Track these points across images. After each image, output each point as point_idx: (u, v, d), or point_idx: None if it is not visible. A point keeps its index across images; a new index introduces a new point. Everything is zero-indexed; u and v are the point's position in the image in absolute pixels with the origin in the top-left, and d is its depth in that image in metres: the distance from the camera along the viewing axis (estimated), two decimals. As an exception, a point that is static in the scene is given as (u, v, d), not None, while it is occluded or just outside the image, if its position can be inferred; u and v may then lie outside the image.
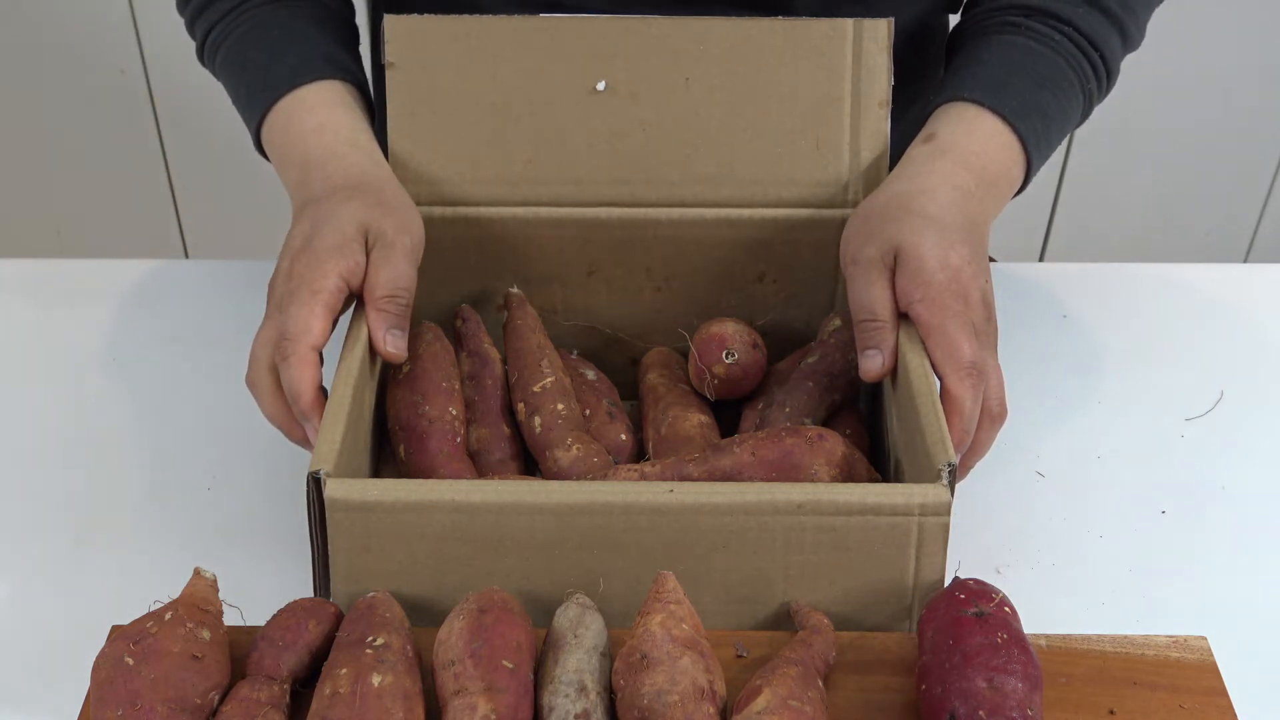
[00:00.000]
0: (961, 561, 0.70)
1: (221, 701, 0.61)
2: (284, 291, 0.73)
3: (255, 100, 0.86)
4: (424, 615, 0.67)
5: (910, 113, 0.88)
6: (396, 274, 0.74)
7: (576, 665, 0.60)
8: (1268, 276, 1.05)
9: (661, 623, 0.61)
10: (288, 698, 0.62)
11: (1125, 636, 0.67)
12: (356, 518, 0.66)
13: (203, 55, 0.92)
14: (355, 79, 0.87)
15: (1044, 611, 0.72)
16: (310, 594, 0.67)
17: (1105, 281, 1.03)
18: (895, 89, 0.83)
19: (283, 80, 0.84)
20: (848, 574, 0.67)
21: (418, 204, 0.82)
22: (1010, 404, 0.73)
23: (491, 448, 0.79)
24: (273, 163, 0.86)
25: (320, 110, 0.84)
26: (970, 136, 0.81)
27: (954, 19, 0.98)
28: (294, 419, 0.72)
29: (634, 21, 0.82)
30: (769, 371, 0.84)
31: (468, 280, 0.87)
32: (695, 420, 0.80)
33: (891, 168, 0.83)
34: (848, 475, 0.72)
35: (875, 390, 0.81)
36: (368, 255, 0.75)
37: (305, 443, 0.72)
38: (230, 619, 0.64)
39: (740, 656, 0.66)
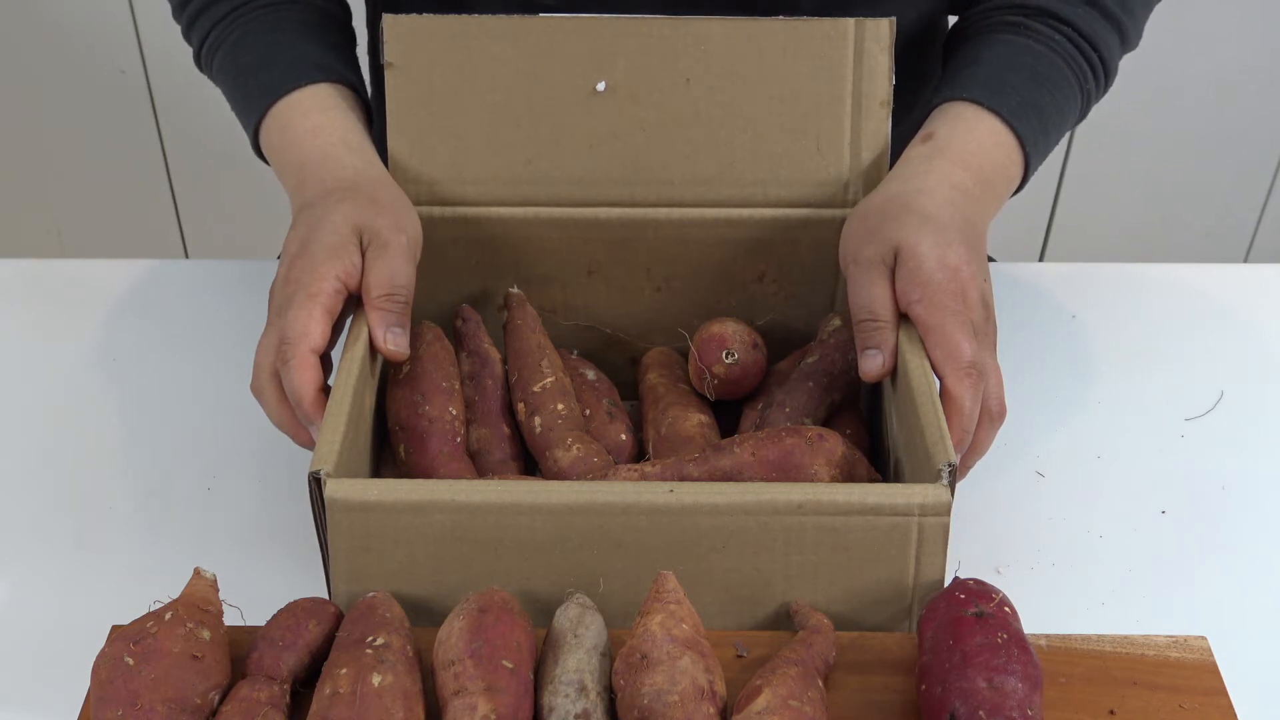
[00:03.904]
0: (961, 561, 0.70)
1: (221, 701, 0.61)
2: (282, 297, 0.73)
3: (251, 105, 0.86)
4: (424, 615, 0.67)
5: (911, 116, 0.88)
6: (393, 272, 0.74)
7: (576, 665, 0.60)
8: (1268, 276, 1.05)
9: (661, 623, 0.61)
10: (288, 698, 0.62)
11: (1125, 636, 0.67)
12: (356, 518, 0.66)
13: (199, 61, 0.92)
14: (349, 82, 0.87)
15: (1044, 611, 0.72)
16: (309, 593, 0.67)
17: (1105, 281, 1.03)
18: (895, 92, 0.83)
19: (277, 85, 0.85)
20: (848, 574, 0.67)
21: (417, 204, 0.82)
22: (1010, 404, 0.73)
23: (491, 448, 0.79)
24: (272, 168, 0.86)
25: (314, 114, 0.84)
26: (969, 136, 0.81)
27: (952, 18, 0.98)
28: (299, 423, 0.72)
29: (634, 21, 0.82)
30: (769, 371, 0.84)
31: (468, 280, 0.87)
32: (695, 420, 0.80)
33: (890, 167, 0.83)
34: (848, 475, 0.72)
35: (875, 390, 0.81)
36: (364, 255, 0.75)
37: (312, 446, 0.72)
38: (230, 619, 0.64)
39: (740, 656, 0.66)
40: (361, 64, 0.94)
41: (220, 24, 0.89)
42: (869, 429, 0.81)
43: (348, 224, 0.75)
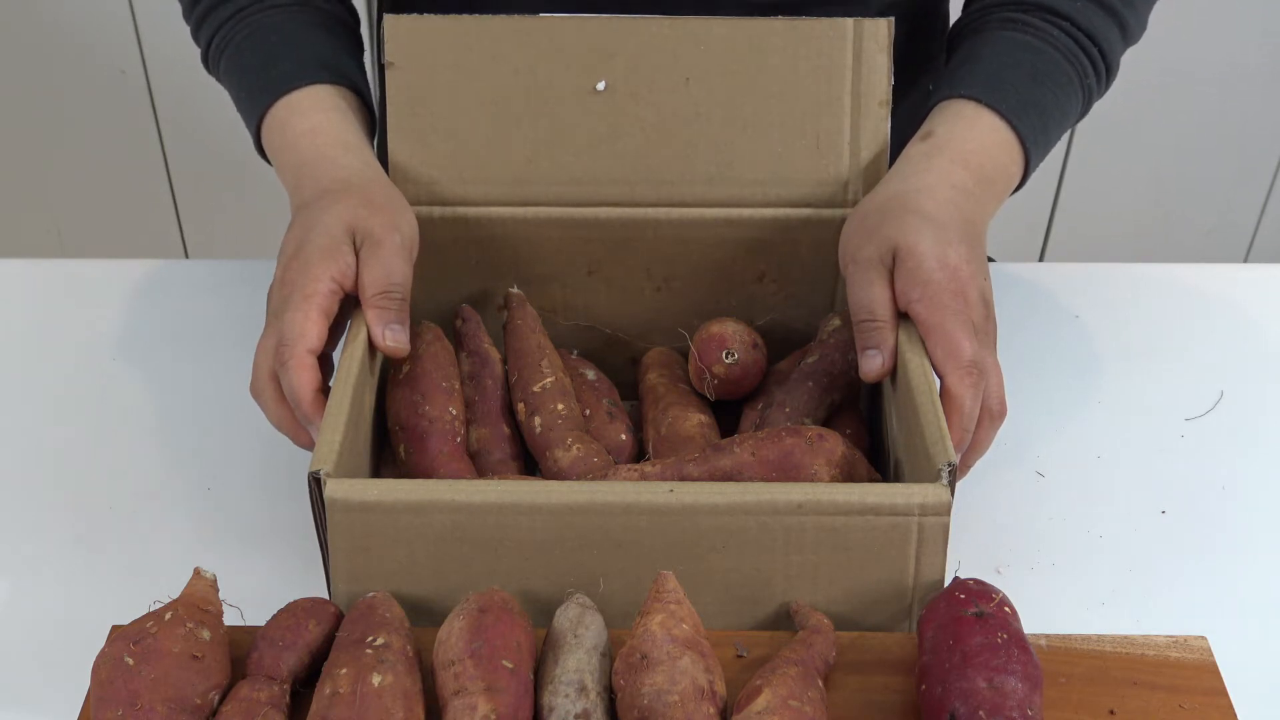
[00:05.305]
0: (961, 561, 0.70)
1: (221, 701, 0.61)
2: (279, 299, 0.73)
3: (253, 104, 0.86)
4: (424, 615, 0.67)
5: (908, 100, 0.88)
6: (388, 270, 0.74)
7: (576, 665, 0.60)
8: (1268, 276, 1.05)
9: (661, 623, 0.61)
10: (288, 698, 0.62)
11: (1125, 636, 0.67)
12: (356, 518, 0.66)
13: (207, 62, 0.92)
14: (352, 83, 0.87)
15: (1044, 611, 0.72)
16: (309, 593, 0.67)
17: (1105, 281, 1.03)
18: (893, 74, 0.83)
19: (277, 84, 0.85)
20: (848, 574, 0.67)
21: (417, 204, 0.82)
22: (1010, 404, 0.73)
23: (491, 448, 0.79)
24: (273, 167, 0.86)
25: (313, 114, 0.84)
26: (968, 134, 0.81)
27: (955, 14, 0.98)
28: (299, 424, 0.72)
29: (634, 21, 0.82)
30: (769, 371, 0.84)
31: (468, 280, 0.87)
32: (695, 420, 0.80)
33: (890, 164, 0.83)
34: (848, 475, 0.72)
35: (875, 390, 0.81)
36: (357, 255, 0.75)
37: (312, 447, 0.72)
38: (230, 619, 0.64)
39: (740, 656, 0.66)
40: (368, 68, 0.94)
41: (227, 24, 0.89)
42: (869, 429, 0.81)
43: (340, 224, 0.75)
